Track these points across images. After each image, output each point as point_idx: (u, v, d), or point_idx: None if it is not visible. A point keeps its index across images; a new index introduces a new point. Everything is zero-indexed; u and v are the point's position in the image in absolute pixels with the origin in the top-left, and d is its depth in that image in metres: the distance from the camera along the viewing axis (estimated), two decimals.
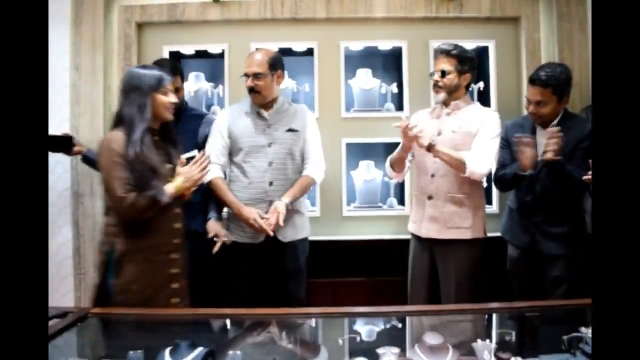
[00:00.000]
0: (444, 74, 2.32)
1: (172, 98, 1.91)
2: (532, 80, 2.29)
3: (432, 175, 2.37)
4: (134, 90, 1.85)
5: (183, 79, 2.58)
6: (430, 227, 2.36)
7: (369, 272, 2.92)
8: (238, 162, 2.36)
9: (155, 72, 1.90)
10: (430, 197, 2.37)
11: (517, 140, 2.25)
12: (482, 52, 3.07)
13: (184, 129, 2.41)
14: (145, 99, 1.84)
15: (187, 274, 2.02)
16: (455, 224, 2.31)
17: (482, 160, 2.26)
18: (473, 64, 2.37)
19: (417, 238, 2.45)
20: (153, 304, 1.85)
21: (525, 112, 2.72)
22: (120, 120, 1.87)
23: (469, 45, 2.54)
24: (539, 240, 2.35)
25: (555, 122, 2.32)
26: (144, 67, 1.97)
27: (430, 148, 2.23)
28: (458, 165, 2.24)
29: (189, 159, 1.98)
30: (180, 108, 2.53)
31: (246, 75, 2.34)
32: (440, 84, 2.33)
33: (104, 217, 1.95)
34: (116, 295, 1.84)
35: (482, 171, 2.26)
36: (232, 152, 2.39)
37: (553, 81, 2.25)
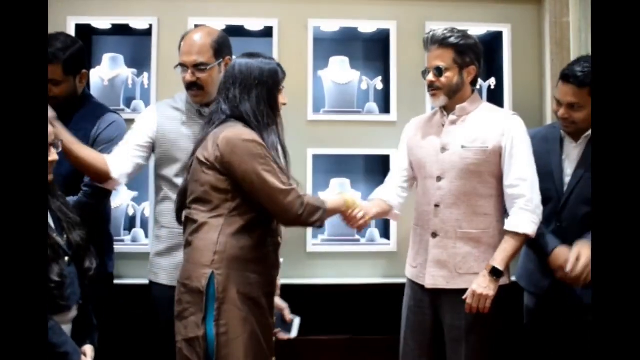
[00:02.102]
0: (440, 71, 2.01)
1: (286, 98, 1.90)
2: (565, 77, 2.03)
3: (437, 205, 2.03)
4: (259, 85, 1.75)
5: (77, 61, 2.11)
6: (437, 273, 2.04)
7: (342, 327, 2.62)
8: (168, 177, 2.02)
9: (276, 66, 1.81)
10: (435, 235, 2.04)
11: None
12: (494, 39, 2.78)
13: (76, 128, 2.02)
14: (274, 96, 1.79)
15: None
16: (471, 269, 1.99)
17: (533, 203, 1.97)
18: (477, 52, 2.07)
19: (417, 286, 2.12)
20: None
21: (549, 120, 2.58)
22: (238, 117, 1.73)
23: (478, 30, 2.36)
24: (562, 284, 2.03)
25: (590, 132, 2.04)
26: (255, 55, 1.81)
27: (495, 272, 1.92)
28: (521, 241, 2.00)
29: None
30: (78, 101, 2.17)
31: (183, 65, 2.00)
32: (437, 84, 2.03)
33: (201, 239, 1.70)
34: (222, 350, 1.63)
35: (540, 217, 2.00)
36: (159, 164, 2.05)
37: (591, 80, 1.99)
